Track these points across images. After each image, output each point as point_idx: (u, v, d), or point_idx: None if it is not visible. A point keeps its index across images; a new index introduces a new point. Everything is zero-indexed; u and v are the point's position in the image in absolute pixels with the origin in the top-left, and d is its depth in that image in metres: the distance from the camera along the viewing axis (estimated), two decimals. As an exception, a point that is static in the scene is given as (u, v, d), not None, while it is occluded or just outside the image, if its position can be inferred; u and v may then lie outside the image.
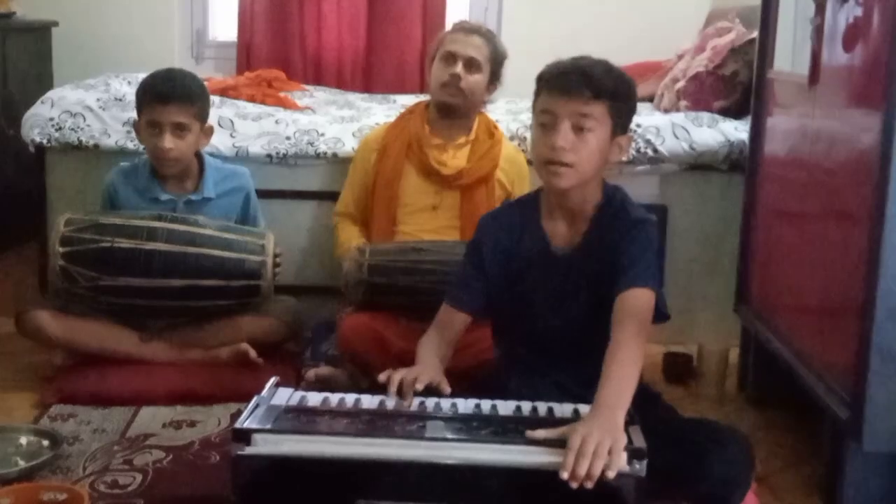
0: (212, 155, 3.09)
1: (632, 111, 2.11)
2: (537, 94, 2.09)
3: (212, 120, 3.21)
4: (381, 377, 1.97)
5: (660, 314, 2.04)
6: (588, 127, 2.00)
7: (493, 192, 2.95)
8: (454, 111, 2.93)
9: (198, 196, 2.87)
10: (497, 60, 2.95)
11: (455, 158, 2.96)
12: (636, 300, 1.97)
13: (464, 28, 2.98)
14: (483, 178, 2.94)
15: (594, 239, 2.10)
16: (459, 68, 2.88)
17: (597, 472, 1.64)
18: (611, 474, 1.64)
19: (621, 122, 2.06)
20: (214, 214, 2.87)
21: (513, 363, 2.18)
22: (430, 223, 2.94)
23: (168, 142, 2.75)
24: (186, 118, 2.77)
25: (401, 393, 1.93)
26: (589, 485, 1.64)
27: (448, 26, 3.19)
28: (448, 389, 1.96)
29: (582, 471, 1.63)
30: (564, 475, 1.64)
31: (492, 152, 2.96)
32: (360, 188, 3.02)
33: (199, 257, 2.71)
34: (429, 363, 2.06)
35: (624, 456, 1.67)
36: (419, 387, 1.93)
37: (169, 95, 2.75)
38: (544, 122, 2.04)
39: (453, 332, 2.18)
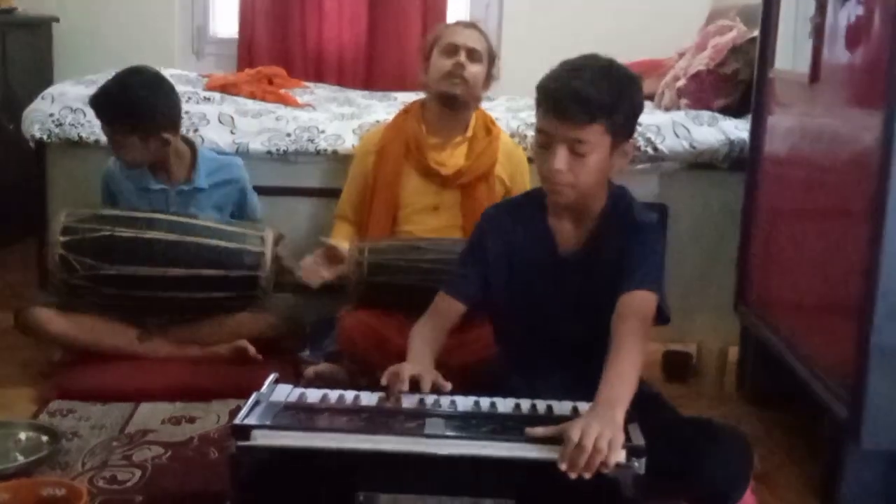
0: (210, 149, 3.09)
1: (636, 114, 2.03)
2: (536, 106, 2.03)
3: (212, 116, 3.23)
4: (383, 379, 1.92)
5: (661, 316, 2.04)
6: (584, 151, 1.96)
7: (494, 188, 2.95)
8: (455, 103, 2.92)
9: (189, 186, 2.86)
10: (491, 56, 2.97)
11: (453, 157, 2.95)
12: (639, 302, 1.97)
13: (462, 23, 3.05)
14: (483, 175, 2.93)
15: (600, 241, 2.09)
16: (463, 57, 2.88)
17: (595, 464, 1.63)
18: (607, 468, 1.64)
19: (623, 132, 2.00)
20: (207, 205, 2.86)
21: (513, 361, 2.18)
22: (432, 223, 2.94)
23: None
24: None
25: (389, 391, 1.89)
26: (587, 476, 1.64)
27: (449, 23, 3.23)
28: (448, 386, 1.93)
29: (580, 462, 1.63)
30: (563, 466, 1.64)
31: (490, 149, 2.96)
32: (356, 191, 3.02)
33: (199, 247, 2.70)
34: (420, 359, 2.01)
35: (622, 452, 1.67)
36: (403, 387, 1.88)
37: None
38: (541, 141, 2.00)
39: (448, 320, 2.16)
